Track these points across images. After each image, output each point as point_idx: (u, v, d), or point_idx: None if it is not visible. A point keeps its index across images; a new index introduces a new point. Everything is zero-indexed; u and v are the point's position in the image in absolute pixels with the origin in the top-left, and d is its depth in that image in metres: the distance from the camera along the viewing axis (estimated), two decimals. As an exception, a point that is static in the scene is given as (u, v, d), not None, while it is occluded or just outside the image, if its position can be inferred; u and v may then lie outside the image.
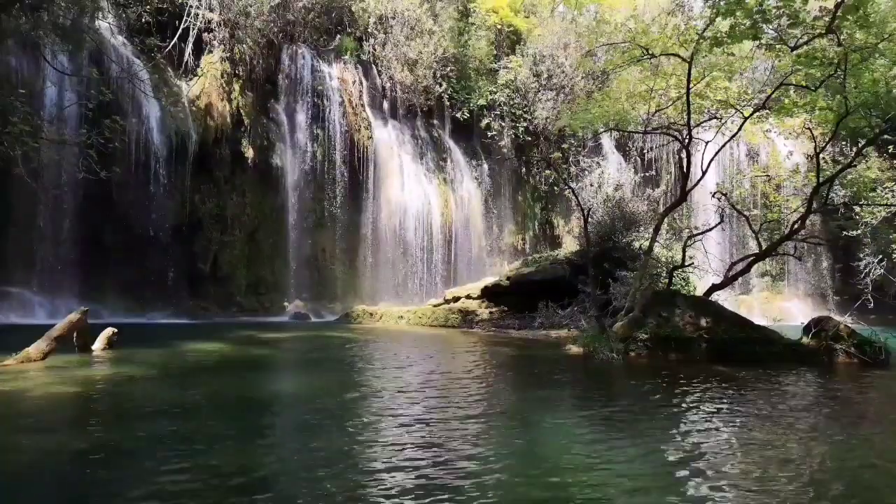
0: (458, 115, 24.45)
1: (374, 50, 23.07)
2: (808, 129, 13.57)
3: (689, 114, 11.50)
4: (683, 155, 12.69)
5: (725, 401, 6.32)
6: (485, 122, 24.90)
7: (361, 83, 22.67)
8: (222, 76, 19.50)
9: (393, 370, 8.16)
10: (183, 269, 17.91)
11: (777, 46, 10.93)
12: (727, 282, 12.03)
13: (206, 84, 19.14)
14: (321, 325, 16.38)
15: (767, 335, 9.97)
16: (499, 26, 25.80)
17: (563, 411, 5.78)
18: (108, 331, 8.92)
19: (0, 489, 3.34)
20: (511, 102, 24.99)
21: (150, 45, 17.86)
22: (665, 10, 21.25)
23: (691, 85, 11.20)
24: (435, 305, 17.66)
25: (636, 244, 16.32)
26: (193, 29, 18.81)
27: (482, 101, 24.62)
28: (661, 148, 26.64)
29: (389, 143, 22.79)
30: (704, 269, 14.15)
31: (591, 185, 19.48)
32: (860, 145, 11.94)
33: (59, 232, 15.91)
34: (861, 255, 20.21)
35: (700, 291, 13.13)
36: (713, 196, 14.31)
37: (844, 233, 18.74)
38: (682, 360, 9.22)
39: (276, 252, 20.25)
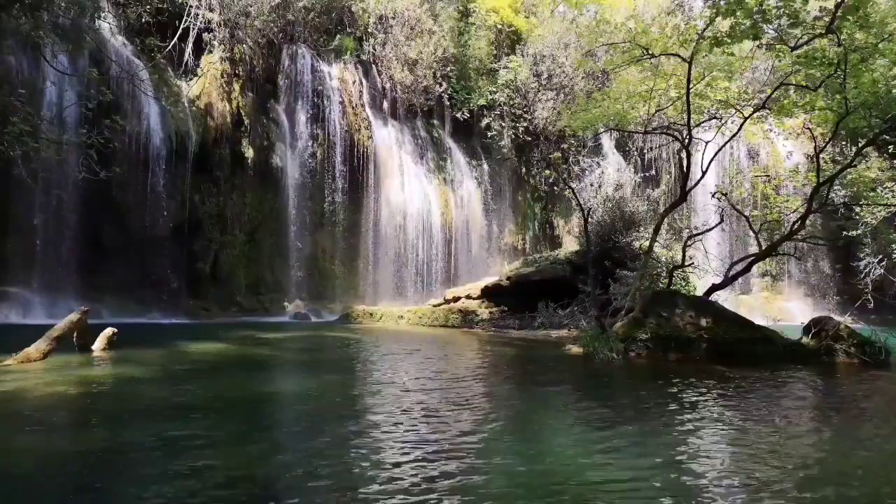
0: (458, 115, 24.46)
1: (374, 50, 23.07)
2: (808, 129, 13.58)
3: (689, 114, 11.50)
4: (683, 155, 12.69)
5: (725, 401, 6.32)
6: (485, 122, 24.91)
7: (361, 83, 22.67)
8: (222, 76, 19.51)
9: (393, 370, 8.16)
10: (183, 269, 17.90)
11: (777, 46, 10.93)
12: (727, 282, 12.02)
13: (206, 84, 19.14)
14: (321, 326, 16.38)
15: (767, 335, 9.96)
16: (499, 26, 25.80)
17: (563, 411, 5.78)
18: (108, 331, 8.91)
19: (0, 489, 3.34)
20: (511, 102, 25.00)
21: (150, 45, 17.87)
22: (665, 10, 21.30)
23: (691, 85, 11.20)
24: (435, 305, 17.66)
25: (636, 244, 16.32)
26: (193, 29, 18.82)
27: (482, 101, 24.62)
28: (661, 148, 26.64)
29: (389, 143, 22.79)
30: (704, 269, 14.15)
31: (591, 185, 19.51)
32: (860, 145, 11.92)
33: (59, 232, 15.89)
34: (861, 255, 20.21)
35: (700, 291, 13.13)
36: (713, 196, 14.30)
37: (844, 233, 18.74)
38: (682, 360, 9.22)
39: (276, 252, 20.26)
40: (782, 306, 24.07)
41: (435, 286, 22.04)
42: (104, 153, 12.61)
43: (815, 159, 12.65)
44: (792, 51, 10.44)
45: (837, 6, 9.42)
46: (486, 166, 25.32)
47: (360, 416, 5.31)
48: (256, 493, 3.36)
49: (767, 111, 12.45)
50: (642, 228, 16.84)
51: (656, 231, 12.48)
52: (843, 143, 19.18)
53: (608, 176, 20.56)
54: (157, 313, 16.36)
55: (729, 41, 10.19)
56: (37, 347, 7.55)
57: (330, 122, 21.26)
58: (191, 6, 18.62)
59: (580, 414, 5.67)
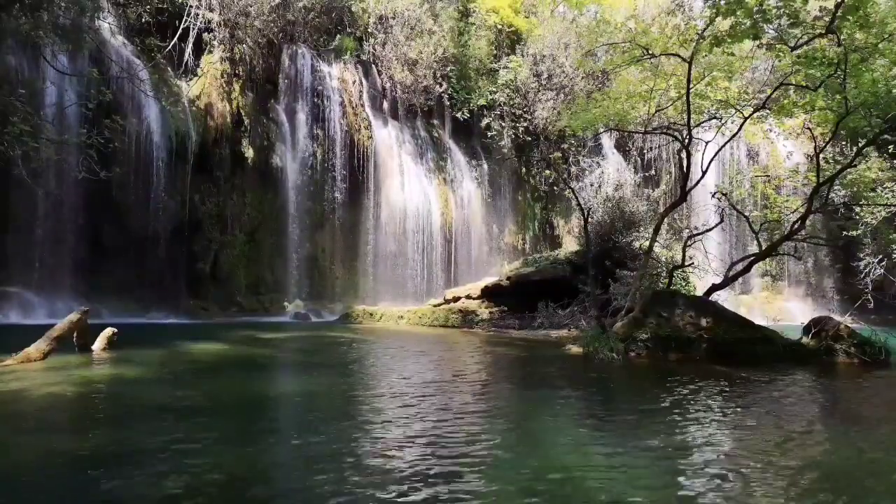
0: (458, 115, 24.47)
1: (374, 50, 23.09)
2: (808, 129, 13.58)
3: (689, 114, 11.49)
4: (683, 155, 12.69)
5: (725, 401, 6.32)
6: (485, 122, 24.91)
7: (361, 83, 22.68)
8: (222, 76, 19.52)
9: (393, 370, 8.16)
10: (183, 269, 17.92)
11: (777, 46, 10.93)
12: (727, 282, 12.02)
13: (206, 84, 19.15)
14: (321, 326, 16.37)
15: (767, 335, 9.96)
16: (499, 26, 25.82)
17: (563, 411, 5.78)
18: (108, 331, 8.91)
19: (0, 489, 3.34)
20: (511, 102, 25.00)
21: (150, 45, 17.89)
22: (665, 10, 21.29)
23: (691, 85, 11.20)
24: (435, 305, 17.65)
25: (636, 244, 16.32)
26: (193, 29, 18.83)
27: (482, 101, 24.63)
28: (661, 148, 26.66)
29: (389, 143, 22.80)
30: (704, 269, 14.15)
31: (591, 185, 19.51)
32: (860, 145, 11.93)
33: (59, 232, 15.90)
34: (861, 255, 20.22)
35: (700, 291, 13.13)
36: (713, 196, 14.30)
37: (844, 233, 18.74)
38: (682, 360, 9.22)
39: (276, 252, 20.27)
40: (782, 306, 24.09)
41: (435, 286, 22.04)
42: (104, 153, 12.62)
43: (815, 159, 12.65)
44: (792, 51, 10.45)
45: (837, 6, 9.42)
46: (486, 166, 25.33)
47: (360, 418, 5.31)
48: (256, 494, 3.36)
49: (767, 111, 12.44)
50: (642, 228, 16.84)
51: (656, 231, 12.48)
52: (843, 143, 19.20)
53: (608, 176, 20.58)
54: (157, 313, 16.37)
55: (729, 41, 10.18)
56: (37, 347, 7.55)
57: (330, 122, 21.27)
58: (191, 6, 18.62)
59: (581, 415, 5.67)
